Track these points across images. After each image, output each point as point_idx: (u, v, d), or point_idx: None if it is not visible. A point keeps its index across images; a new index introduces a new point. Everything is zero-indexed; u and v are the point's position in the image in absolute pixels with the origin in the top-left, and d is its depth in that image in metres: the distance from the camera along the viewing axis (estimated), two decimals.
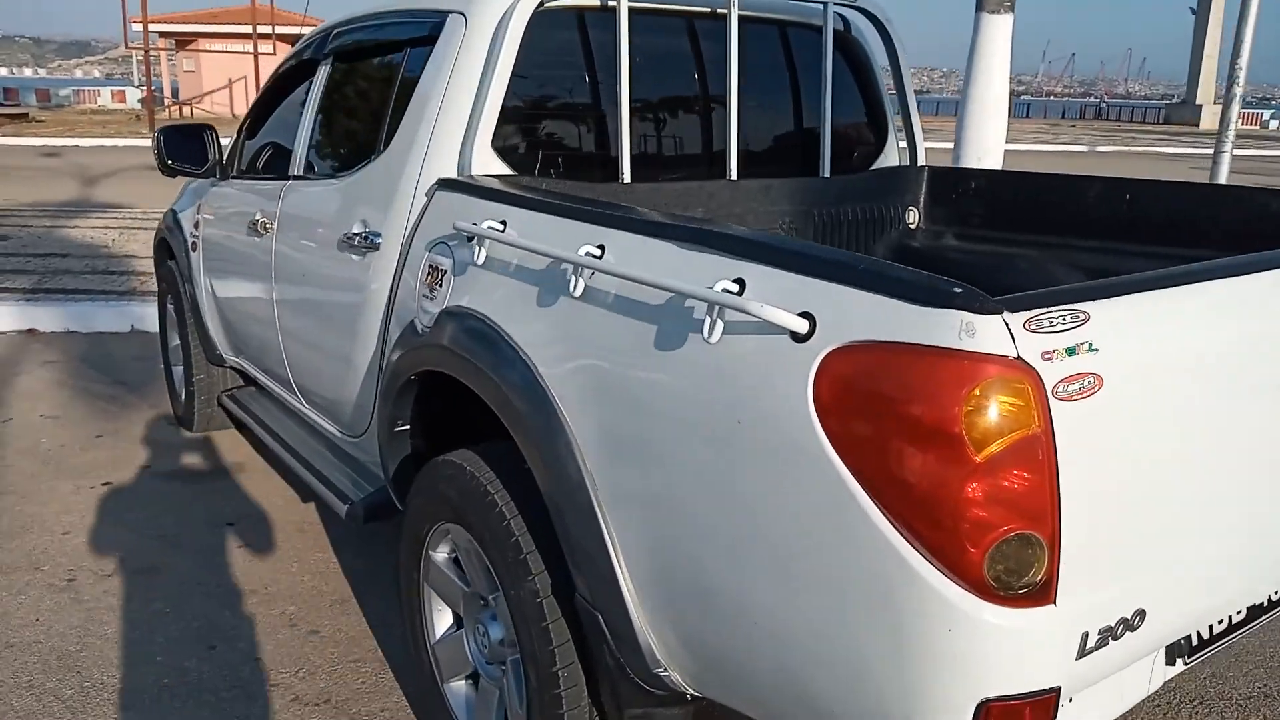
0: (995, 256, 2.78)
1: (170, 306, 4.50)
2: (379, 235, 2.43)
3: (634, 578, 1.59)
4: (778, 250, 1.35)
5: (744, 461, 1.35)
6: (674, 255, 1.51)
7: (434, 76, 2.38)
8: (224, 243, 3.67)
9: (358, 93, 2.98)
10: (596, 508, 1.63)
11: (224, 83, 34.84)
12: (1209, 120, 44.43)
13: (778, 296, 1.30)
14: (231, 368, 4.07)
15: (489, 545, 1.91)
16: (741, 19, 2.54)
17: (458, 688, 2.28)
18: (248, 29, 33.62)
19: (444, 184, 2.25)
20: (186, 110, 33.36)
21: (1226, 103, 5.80)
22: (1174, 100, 53.80)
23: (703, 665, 1.54)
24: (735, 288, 1.36)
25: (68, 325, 6.24)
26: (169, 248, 4.35)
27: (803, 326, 1.26)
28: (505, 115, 2.29)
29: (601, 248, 1.63)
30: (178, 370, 4.59)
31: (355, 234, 2.52)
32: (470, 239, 2.02)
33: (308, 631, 2.90)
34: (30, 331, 6.17)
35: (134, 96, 42.03)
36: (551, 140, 2.45)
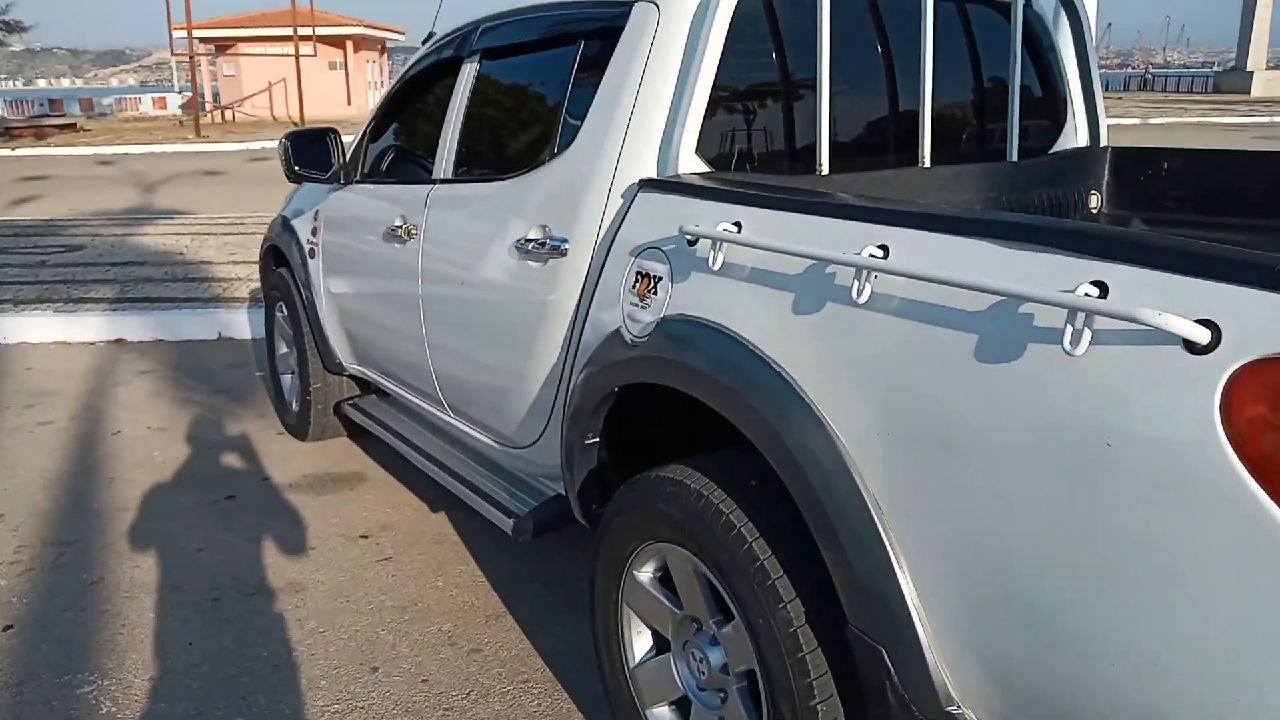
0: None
1: (280, 314, 4.42)
2: (564, 241, 2.30)
3: (932, 610, 1.45)
4: (1154, 249, 1.19)
5: (1114, 487, 1.19)
6: (992, 255, 1.35)
7: (623, 71, 2.24)
8: (351, 250, 3.57)
9: (520, 90, 2.85)
10: (882, 534, 1.49)
11: (264, 86, 35.09)
12: (1261, 88, 43.19)
13: (1158, 301, 1.15)
14: (352, 376, 3.98)
15: (727, 570, 1.77)
16: None
17: (661, 714, 2.15)
18: (287, 31, 33.78)
19: (650, 184, 2.11)
20: (229, 115, 33.61)
21: None
22: (1221, 68, 52.46)
23: (1023, 701, 1.39)
24: (1095, 291, 1.21)
25: (155, 334, 6.20)
26: (279, 254, 4.26)
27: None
28: (708, 110, 2.15)
29: (884, 248, 1.49)
30: (286, 379, 4.52)
31: (533, 240, 2.39)
32: (693, 243, 1.88)
33: (469, 650, 2.79)
34: (119, 341, 6.13)
35: (174, 103, 42.43)
36: (746, 134, 2.30)
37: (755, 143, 2.30)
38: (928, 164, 2.41)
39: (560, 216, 2.34)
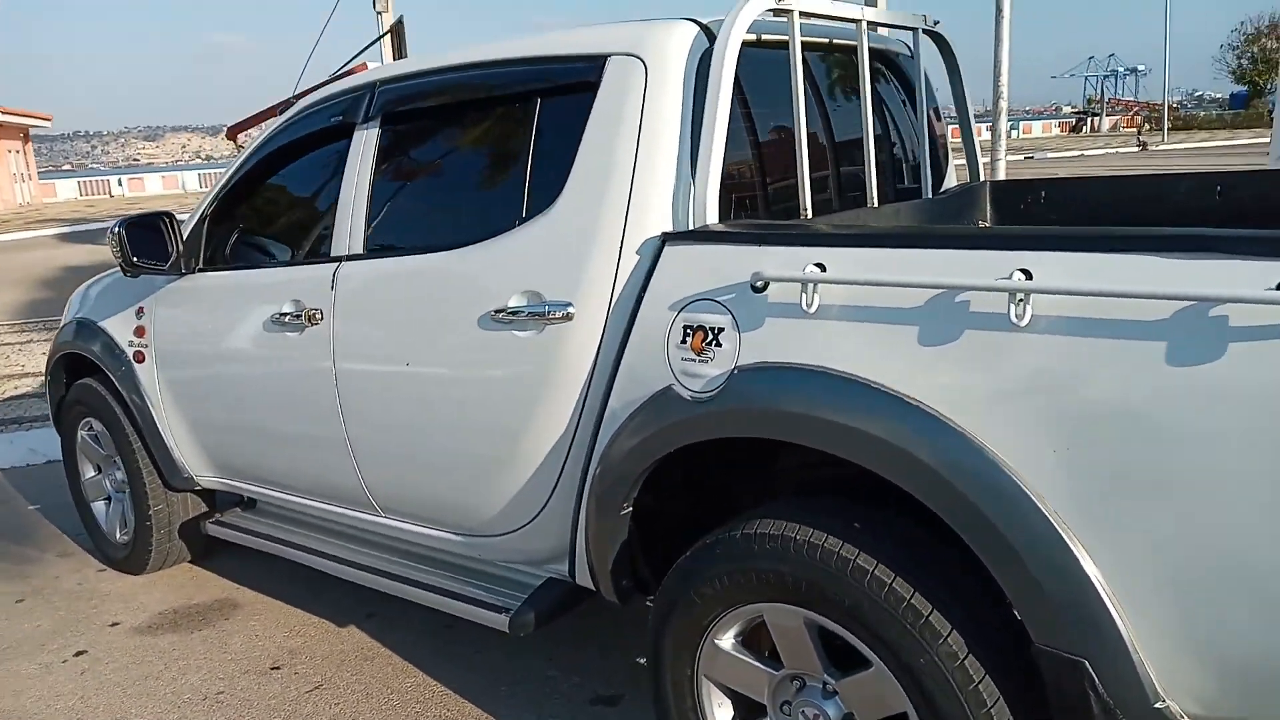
0: None
1: (86, 433, 3.81)
2: (567, 305, 2.17)
3: (1134, 613, 1.50)
4: None
5: None
6: (1157, 266, 1.45)
7: (611, 126, 2.17)
8: (208, 346, 3.15)
9: (455, 155, 2.65)
10: (1074, 551, 1.52)
11: None
12: None
13: None
14: (200, 491, 3.51)
15: (867, 616, 1.73)
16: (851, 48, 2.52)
17: None
18: None
19: (678, 237, 2.04)
20: None
21: None
22: None
23: (1235, 684, 1.48)
24: None
25: None
26: (82, 363, 3.69)
27: None
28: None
29: (1026, 272, 1.54)
30: (100, 506, 3.89)
31: (516, 309, 2.24)
32: (760, 289, 1.85)
33: None
34: None
35: None
36: (738, 182, 2.30)
37: (745, 191, 2.31)
38: (876, 204, 2.53)
39: (555, 280, 2.21)
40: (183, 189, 40.89)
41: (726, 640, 2.02)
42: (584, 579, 2.36)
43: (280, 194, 3.20)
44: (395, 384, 2.57)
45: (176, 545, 3.68)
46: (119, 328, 3.48)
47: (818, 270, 1.78)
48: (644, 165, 2.13)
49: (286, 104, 3.02)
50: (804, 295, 1.78)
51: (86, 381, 3.68)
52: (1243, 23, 56.42)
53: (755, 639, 2.03)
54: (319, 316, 2.72)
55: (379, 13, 29.68)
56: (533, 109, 2.38)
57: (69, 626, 3.40)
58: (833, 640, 1.87)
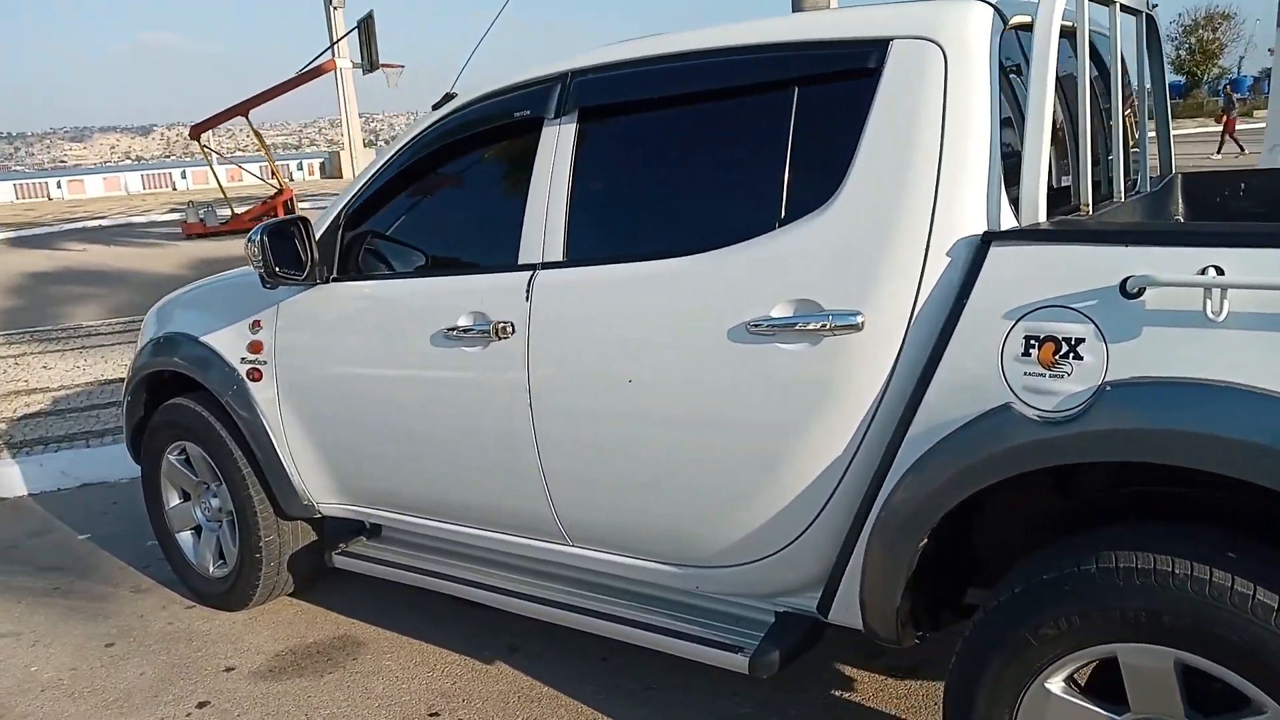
0: None
1: (174, 458, 3.47)
2: (855, 314, 1.95)
3: None
4: None
5: None
6: None
7: (906, 118, 1.95)
8: (356, 362, 2.86)
9: (686, 150, 2.37)
10: None
11: None
12: None
13: None
14: (329, 517, 3.21)
15: (1256, 657, 1.56)
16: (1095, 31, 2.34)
17: None
18: None
19: (1009, 237, 1.82)
20: None
21: None
22: None
23: None
24: None
25: None
26: (179, 381, 3.37)
27: None
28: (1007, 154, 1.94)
29: None
30: (186, 537, 3.56)
31: (781, 319, 2.02)
32: (1134, 295, 1.64)
33: None
34: None
35: None
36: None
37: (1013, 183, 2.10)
38: (1123, 198, 2.35)
39: (837, 287, 1.99)
40: (125, 190, 39.58)
41: (1057, 683, 1.81)
42: (844, 615, 2.14)
43: (439, 196, 2.91)
44: (612, 404, 2.32)
45: (283, 578, 3.37)
46: (228, 343, 3.16)
47: (1215, 274, 1.59)
48: (951, 159, 1.91)
49: (446, 98, 2.71)
50: (1203, 301, 1.58)
51: (179, 402, 3.35)
52: (1180, 14, 58.59)
53: (1092, 680, 1.83)
54: (509, 330, 2.46)
55: (334, 7, 28.91)
56: (788, 99, 2.15)
57: (178, 674, 3.07)
58: (1195, 679, 1.68)
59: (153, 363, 3.43)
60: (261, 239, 2.77)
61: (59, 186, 39.54)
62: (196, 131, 18.76)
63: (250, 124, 18.67)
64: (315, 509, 3.16)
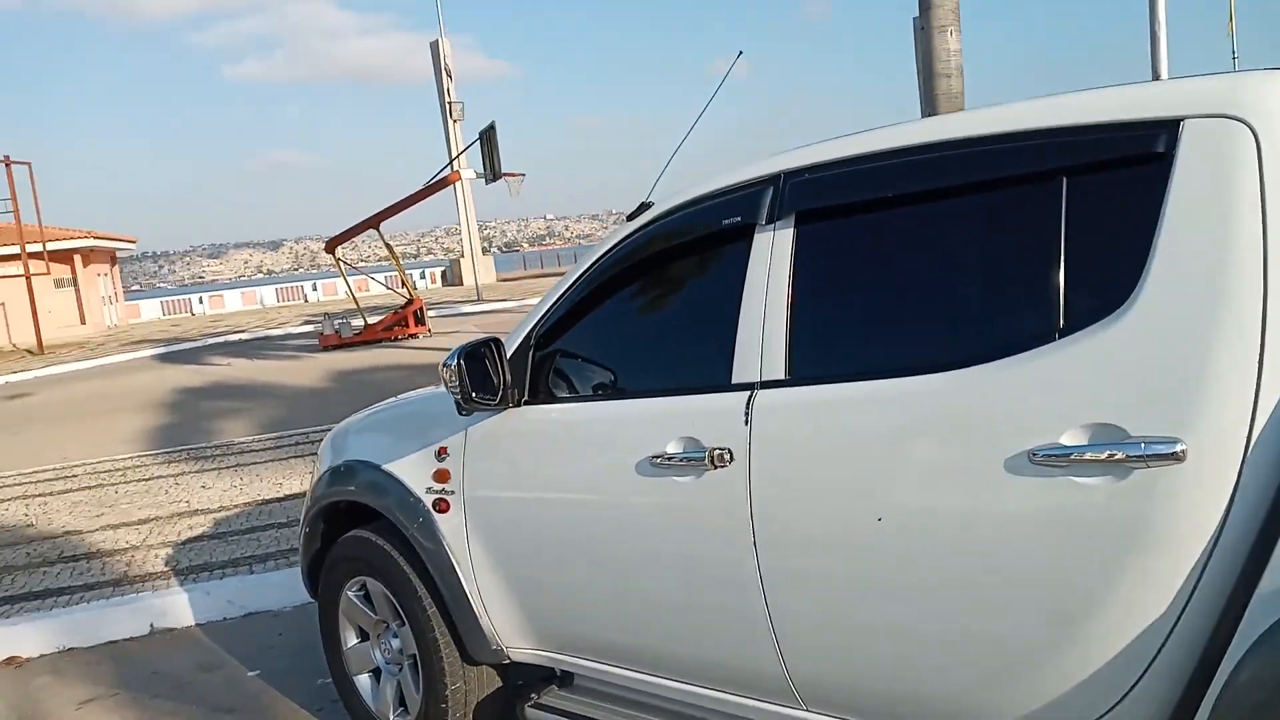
0: None
1: (352, 594, 3.32)
2: (1172, 442, 1.64)
3: None
4: None
5: None
6: None
7: (1214, 206, 1.68)
8: (552, 492, 2.68)
9: (921, 254, 2.16)
10: None
11: None
12: None
13: None
14: (518, 663, 2.98)
15: None
16: None
17: None
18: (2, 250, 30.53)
19: None
20: None
21: None
22: None
23: None
24: None
25: (63, 641, 4.68)
26: (359, 511, 3.25)
27: None
28: None
29: None
30: (363, 680, 3.38)
31: (1078, 447, 1.73)
32: None
33: None
34: (11, 661, 4.57)
35: None
36: None
37: None
38: None
39: (1148, 408, 1.69)
40: (261, 304, 41.75)
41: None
42: None
43: (637, 311, 2.75)
44: (858, 544, 2.05)
45: None
46: (413, 471, 3.03)
47: None
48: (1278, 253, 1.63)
49: (641, 207, 2.54)
50: None
51: (360, 534, 3.22)
52: None
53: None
54: (727, 458, 2.22)
55: (453, 120, 30.18)
56: (1056, 191, 1.89)
57: None
58: None
59: (331, 492, 3.32)
60: (459, 363, 2.63)
61: (201, 302, 41.97)
62: (331, 245, 19.60)
63: (381, 236, 19.42)
64: (505, 654, 2.95)
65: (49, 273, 29.09)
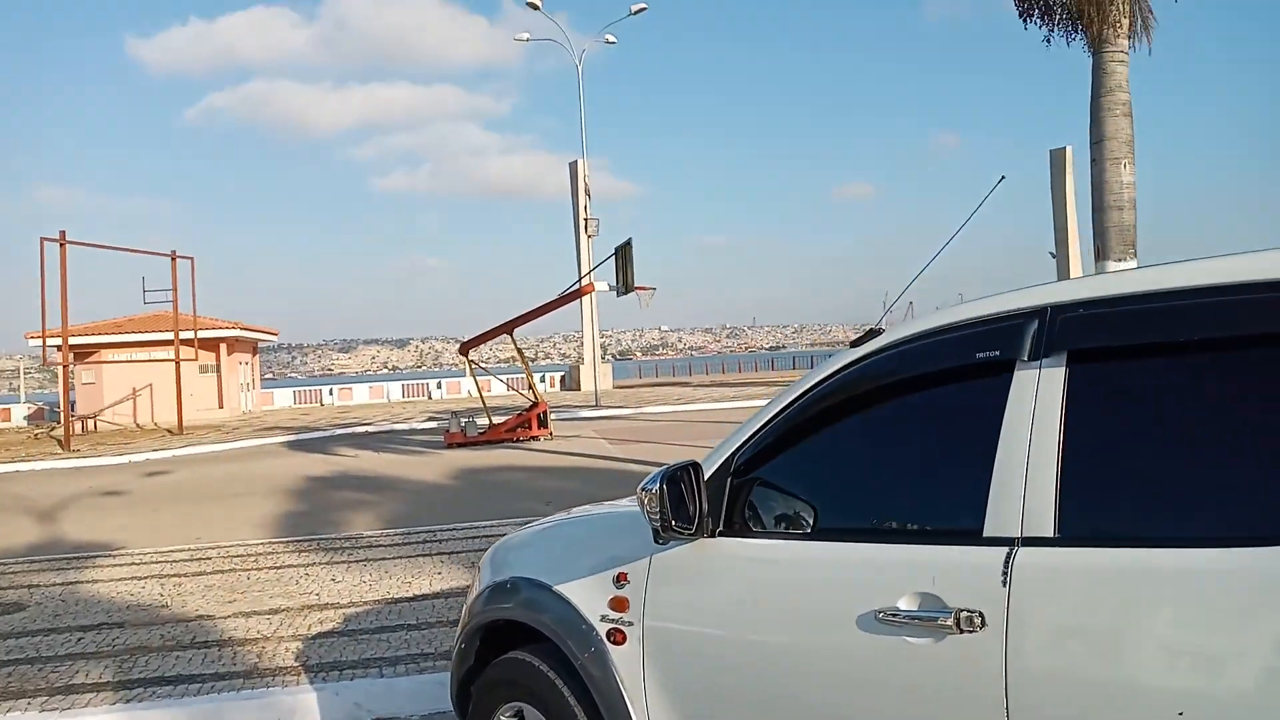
0: None
1: (504, 719, 3.08)
2: None
3: None
4: None
5: None
6: None
7: None
8: (750, 637, 2.41)
9: (1241, 400, 1.87)
10: None
11: (127, 393, 33.04)
12: None
13: None
14: None
15: None
16: None
17: None
18: (152, 336, 32.45)
19: None
20: (89, 424, 31.17)
21: None
22: None
23: None
24: None
25: None
26: (519, 630, 3.03)
27: None
28: None
29: None
30: None
31: None
32: None
33: None
34: None
35: (19, 414, 39.37)
36: None
37: None
38: None
39: None
40: (387, 399, 42.97)
41: None
42: None
43: (860, 444, 2.50)
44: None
45: None
46: (586, 595, 2.80)
47: None
48: None
49: (869, 334, 2.30)
50: None
51: (521, 657, 2.99)
52: None
53: None
54: (977, 622, 1.93)
55: (588, 235, 31.03)
56: None
57: None
58: None
59: (492, 610, 3.12)
60: (661, 488, 2.42)
61: (331, 394, 43.49)
62: (466, 348, 20.05)
63: (514, 341, 19.78)
64: None
65: (196, 359, 30.69)
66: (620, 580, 2.73)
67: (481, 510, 10.43)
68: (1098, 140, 8.36)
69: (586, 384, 40.23)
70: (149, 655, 5.45)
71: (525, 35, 34.91)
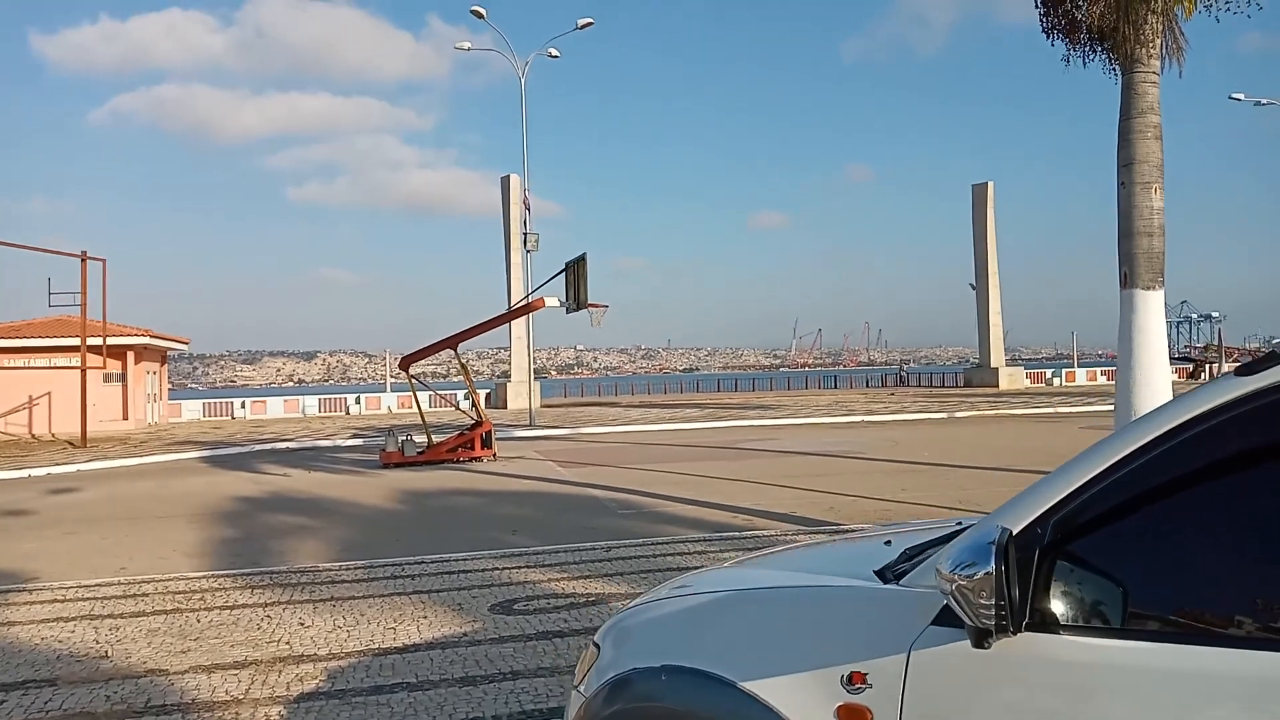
0: None
1: None
2: None
3: None
4: None
5: None
6: None
7: None
8: None
9: None
10: None
11: (23, 400, 30.77)
12: (1005, 381, 48.62)
13: None
14: None
15: None
16: None
17: None
18: (53, 342, 30.38)
19: None
20: None
21: None
22: (969, 365, 58.30)
23: None
24: None
25: None
26: None
27: None
28: None
29: None
30: None
31: None
32: None
33: None
34: None
35: None
36: None
37: None
38: None
39: None
40: (303, 413, 41.12)
41: None
42: None
43: (1258, 506, 1.82)
44: None
45: None
46: (797, 698, 2.06)
47: None
48: None
49: (1271, 357, 1.60)
50: None
51: None
52: None
53: None
54: None
55: (528, 251, 30.12)
56: None
57: None
58: None
59: (638, 710, 2.35)
60: (999, 570, 1.70)
61: (243, 406, 41.44)
62: (406, 363, 18.99)
63: (458, 356, 18.81)
64: None
65: (105, 367, 28.73)
66: (854, 682, 2.00)
67: (446, 541, 9.52)
68: (1126, 163, 8.00)
69: (514, 402, 39.15)
70: None
71: (466, 44, 33.78)
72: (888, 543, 2.58)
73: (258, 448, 23.46)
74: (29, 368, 30.14)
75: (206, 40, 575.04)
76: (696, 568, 7.70)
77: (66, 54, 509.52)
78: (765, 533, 9.29)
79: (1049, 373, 54.74)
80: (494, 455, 18.27)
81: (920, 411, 29.19)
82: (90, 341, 26.42)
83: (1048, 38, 8.46)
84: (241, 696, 4.80)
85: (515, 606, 6.49)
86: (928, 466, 14.92)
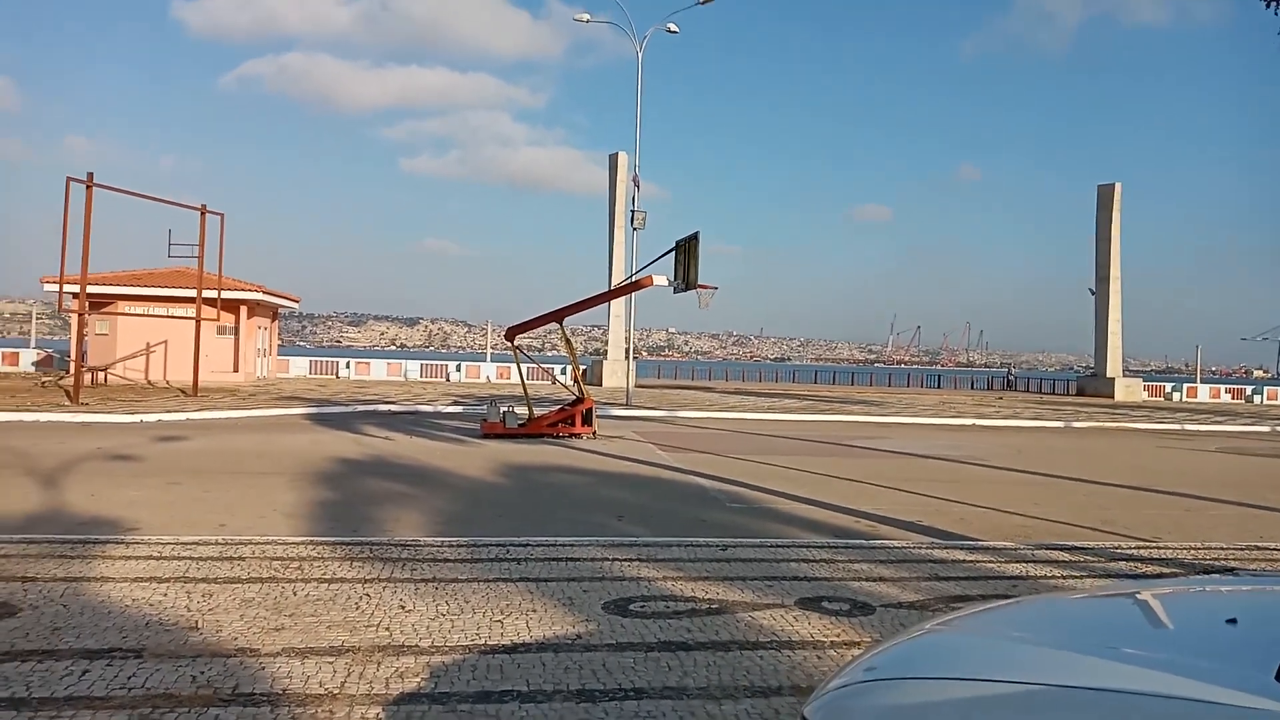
0: None
1: None
2: None
3: None
4: None
5: None
6: None
7: None
8: None
9: None
10: None
11: (141, 347, 31.69)
12: (1121, 393, 46.11)
13: None
14: None
15: None
16: None
17: None
18: (172, 292, 31.15)
19: None
20: (100, 377, 29.81)
21: None
22: (1081, 373, 55.71)
23: None
24: None
25: None
26: None
27: None
28: None
29: None
30: None
31: None
32: None
33: None
34: None
35: (27, 359, 38.10)
36: None
37: None
38: None
39: None
40: (404, 377, 41.56)
41: None
42: None
43: None
44: None
45: None
46: None
47: None
48: None
49: None
50: None
51: None
52: None
53: None
54: None
55: (634, 229, 29.59)
56: None
57: None
58: None
59: None
60: None
61: (347, 366, 42.09)
62: (512, 333, 18.64)
63: (564, 330, 18.38)
64: None
65: (218, 319, 29.34)
66: None
67: (548, 522, 9.02)
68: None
69: (609, 380, 38.76)
70: (179, 711, 4.04)
71: (586, 16, 33.34)
72: (1232, 620, 1.86)
73: (361, 408, 23.55)
74: (148, 315, 30.96)
75: (334, 12, 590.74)
76: (828, 579, 6.92)
77: (203, 19, 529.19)
78: (895, 543, 8.51)
79: (1169, 386, 51.86)
80: (594, 433, 17.82)
81: (1035, 419, 27.71)
82: (206, 294, 26.92)
83: (1271, 4, 7.44)
84: (336, 691, 4.32)
85: (631, 607, 5.89)
86: (1055, 480, 13.85)
